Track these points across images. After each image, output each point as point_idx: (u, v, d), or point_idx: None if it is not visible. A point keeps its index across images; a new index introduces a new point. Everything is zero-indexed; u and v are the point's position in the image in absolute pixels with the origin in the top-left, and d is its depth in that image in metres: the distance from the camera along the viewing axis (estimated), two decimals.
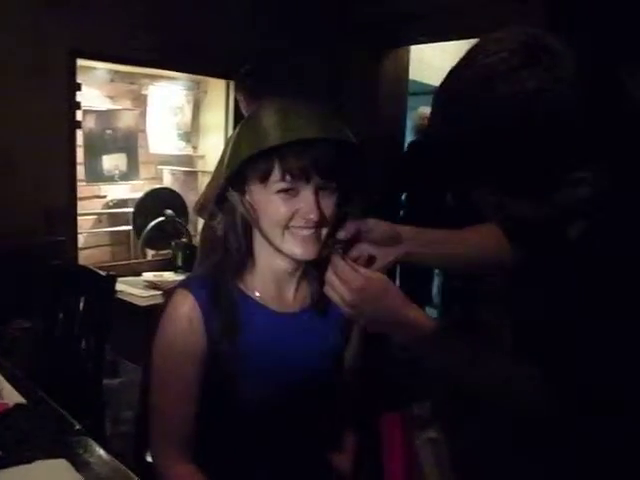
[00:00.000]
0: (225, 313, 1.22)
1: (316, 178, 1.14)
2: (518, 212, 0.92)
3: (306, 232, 1.16)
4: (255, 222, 1.20)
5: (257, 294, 1.26)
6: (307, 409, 1.29)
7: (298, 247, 1.17)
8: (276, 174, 1.14)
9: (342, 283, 1.03)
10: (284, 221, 1.15)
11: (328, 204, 1.17)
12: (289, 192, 1.14)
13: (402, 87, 4.53)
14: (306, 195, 1.14)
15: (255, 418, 1.24)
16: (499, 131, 0.82)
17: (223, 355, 1.21)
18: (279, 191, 1.14)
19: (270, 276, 1.26)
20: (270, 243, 1.19)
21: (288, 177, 1.13)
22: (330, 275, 1.05)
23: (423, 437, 1.68)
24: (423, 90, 5.55)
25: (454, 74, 0.89)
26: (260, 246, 1.24)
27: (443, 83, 0.90)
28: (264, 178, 1.15)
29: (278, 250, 1.19)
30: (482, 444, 1.27)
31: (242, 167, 1.16)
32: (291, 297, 1.29)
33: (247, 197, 1.20)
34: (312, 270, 1.27)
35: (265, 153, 1.12)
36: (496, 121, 0.82)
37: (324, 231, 1.18)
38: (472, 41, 0.90)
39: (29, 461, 1.17)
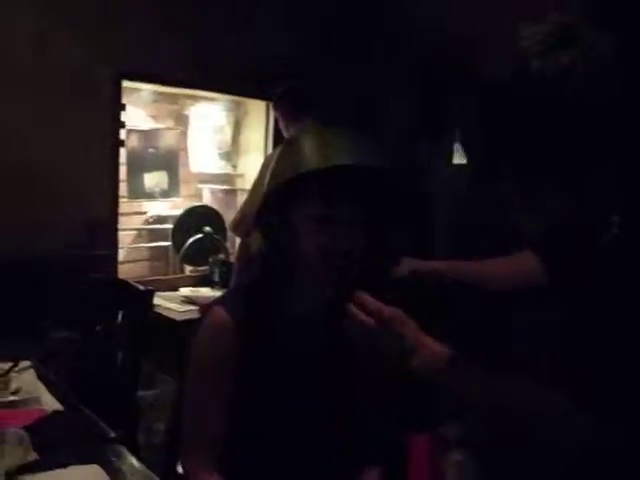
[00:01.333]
0: (258, 328, 1.25)
1: (349, 206, 1.17)
2: (551, 206, 0.92)
3: (339, 261, 1.17)
4: (291, 244, 1.22)
5: (291, 310, 1.28)
6: (335, 427, 1.30)
7: (329, 275, 1.19)
8: (312, 199, 1.17)
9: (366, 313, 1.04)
10: (317, 246, 1.18)
11: (358, 234, 1.19)
12: (324, 218, 1.17)
13: None
14: (340, 222, 1.17)
15: (283, 432, 1.25)
16: (533, 109, 0.84)
17: (254, 368, 1.24)
18: (313, 216, 1.17)
19: (305, 293, 1.28)
20: (305, 264, 1.22)
21: (323, 203, 1.16)
22: (352, 306, 1.06)
23: (450, 459, 1.68)
24: None
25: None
26: (297, 265, 1.25)
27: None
28: (300, 202, 1.19)
29: (313, 272, 1.22)
30: (511, 469, 1.25)
31: (280, 189, 1.19)
32: (324, 313, 1.29)
33: (284, 219, 1.22)
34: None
35: (303, 178, 1.15)
36: (530, 99, 0.84)
37: (356, 257, 1.19)
38: None
39: (64, 466, 1.21)
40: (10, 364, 1.65)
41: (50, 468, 1.19)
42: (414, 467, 1.75)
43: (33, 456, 1.20)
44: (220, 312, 1.26)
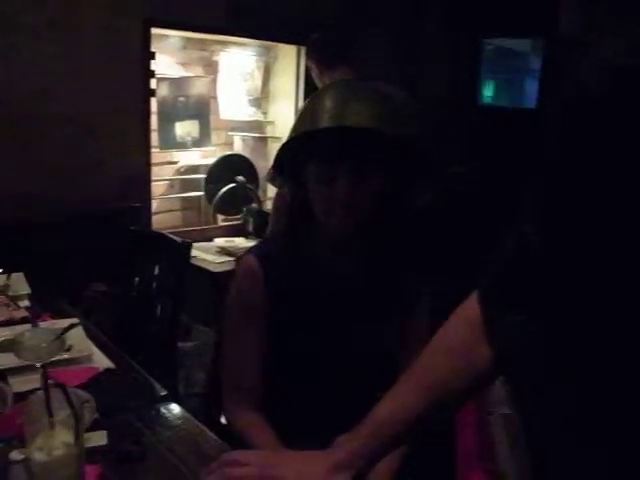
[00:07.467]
0: (284, 275, 1.32)
1: (352, 163, 1.20)
2: None
3: (341, 212, 1.23)
4: (304, 198, 1.29)
5: (316, 258, 1.33)
6: (365, 363, 1.35)
7: (335, 221, 1.26)
8: (315, 159, 1.24)
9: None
10: (322, 202, 1.25)
11: (364, 189, 1.23)
12: (325, 176, 1.23)
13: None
14: (340, 180, 1.21)
15: (309, 372, 1.33)
16: None
17: (281, 312, 1.32)
18: (317, 175, 1.24)
19: (327, 242, 1.33)
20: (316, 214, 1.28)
21: (324, 161, 1.22)
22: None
23: (496, 413, 1.68)
24: None
25: None
26: (314, 215, 1.31)
27: None
28: (306, 160, 1.25)
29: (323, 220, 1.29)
30: (558, 423, 1.25)
31: (291, 147, 1.26)
32: (348, 263, 1.34)
33: (295, 174, 1.30)
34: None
35: (310, 135, 1.20)
36: None
37: (361, 209, 1.25)
38: None
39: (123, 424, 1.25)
40: (66, 322, 1.65)
41: (109, 428, 1.22)
42: (460, 420, 1.76)
43: (96, 415, 1.22)
44: (250, 260, 1.33)
